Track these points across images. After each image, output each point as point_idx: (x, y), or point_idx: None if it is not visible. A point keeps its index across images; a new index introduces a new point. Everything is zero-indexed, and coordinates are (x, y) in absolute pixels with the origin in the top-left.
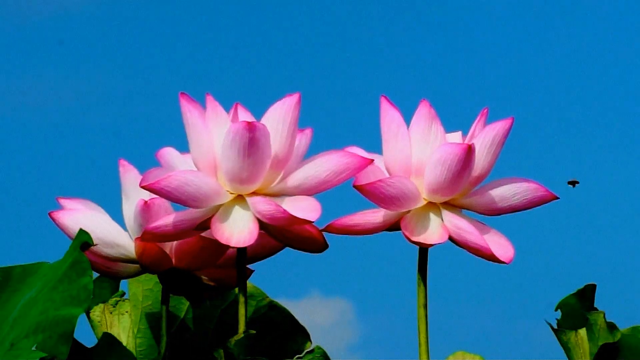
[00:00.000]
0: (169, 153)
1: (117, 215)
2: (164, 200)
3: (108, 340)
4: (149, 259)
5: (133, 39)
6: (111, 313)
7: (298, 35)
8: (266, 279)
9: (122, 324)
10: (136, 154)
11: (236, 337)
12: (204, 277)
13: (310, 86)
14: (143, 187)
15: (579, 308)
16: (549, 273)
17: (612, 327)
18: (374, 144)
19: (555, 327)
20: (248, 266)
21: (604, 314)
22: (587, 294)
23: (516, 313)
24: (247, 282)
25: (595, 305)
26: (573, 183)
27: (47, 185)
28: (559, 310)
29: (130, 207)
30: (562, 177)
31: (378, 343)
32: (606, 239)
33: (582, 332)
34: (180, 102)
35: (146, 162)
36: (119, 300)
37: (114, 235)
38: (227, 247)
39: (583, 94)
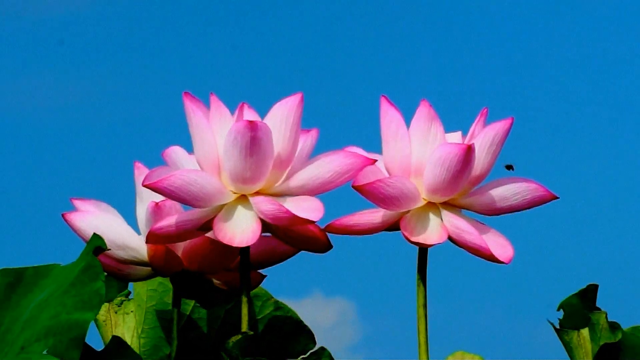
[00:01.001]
0: (175, 152)
1: (124, 215)
2: (175, 202)
3: (117, 344)
4: (160, 262)
5: (138, 38)
6: (116, 313)
7: (298, 36)
8: (268, 279)
9: (127, 323)
10: (141, 153)
11: (235, 338)
12: (215, 281)
13: (310, 86)
14: (146, 186)
15: (581, 308)
16: (549, 273)
17: (614, 327)
18: (374, 144)
19: (558, 327)
20: (260, 271)
21: (606, 314)
22: (589, 294)
23: (516, 313)
24: None
25: (597, 306)
26: (509, 167)
27: (55, 185)
28: (560, 310)
29: (143, 209)
30: (562, 177)
31: (380, 343)
32: (606, 239)
33: (585, 332)
34: (183, 102)
35: (152, 161)
36: (124, 300)
37: (126, 238)
38: (238, 250)
39: (584, 94)
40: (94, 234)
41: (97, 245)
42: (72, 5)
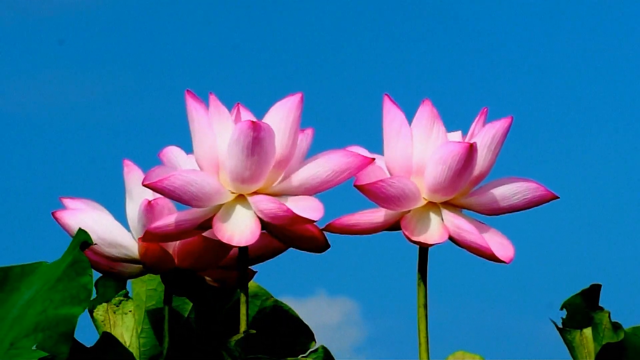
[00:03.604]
0: (172, 152)
1: (120, 214)
2: (167, 200)
3: (107, 340)
4: (152, 260)
5: (138, 37)
6: (114, 312)
7: (300, 35)
8: (272, 278)
9: (126, 323)
10: (140, 153)
11: (236, 337)
12: (207, 278)
13: (313, 85)
14: (145, 186)
15: (583, 308)
16: (550, 273)
17: (616, 326)
18: (376, 143)
19: (560, 326)
20: (251, 267)
21: (609, 314)
22: (592, 294)
23: (516, 313)
24: (252, 281)
25: (600, 305)
26: None
27: (49, 184)
28: (562, 310)
29: (133, 207)
30: (563, 176)
31: (383, 343)
32: (609, 238)
33: (587, 331)
34: (186, 100)
35: (150, 161)
36: (122, 300)
37: (117, 236)
38: (230, 247)
39: (585, 92)
40: (80, 228)
41: (82, 239)
42: (74, 5)
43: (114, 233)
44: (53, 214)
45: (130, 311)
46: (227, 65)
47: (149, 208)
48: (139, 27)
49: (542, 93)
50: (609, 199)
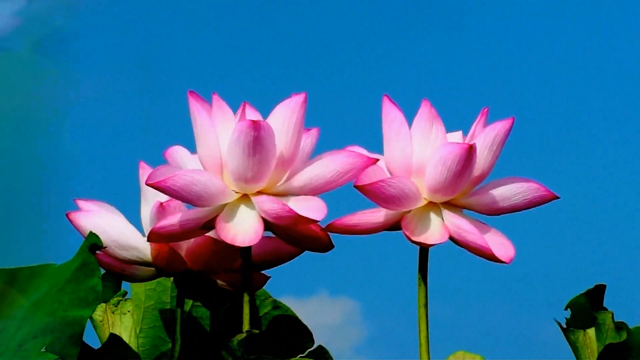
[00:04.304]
0: (176, 151)
1: (131, 217)
2: (179, 202)
3: (115, 341)
4: (163, 262)
5: (138, 37)
6: (113, 313)
7: (301, 35)
8: (273, 277)
9: (124, 323)
10: (140, 153)
11: (239, 337)
12: (220, 282)
13: (312, 85)
14: (149, 185)
15: (588, 308)
16: (550, 273)
17: (620, 327)
18: (376, 143)
19: (564, 326)
20: (264, 272)
21: (613, 314)
22: (597, 294)
23: (517, 313)
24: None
25: (604, 305)
26: None
27: (48, 184)
28: (563, 310)
29: (147, 209)
30: (564, 176)
31: (384, 343)
32: (611, 238)
33: (591, 331)
34: (188, 101)
35: (150, 161)
36: (121, 300)
37: (130, 238)
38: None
39: (587, 91)
40: (90, 232)
41: (92, 242)
42: (76, 5)
43: (127, 235)
44: (67, 214)
45: (128, 311)
46: (227, 65)
47: (161, 210)
48: (139, 27)
49: (543, 92)
50: (612, 198)
